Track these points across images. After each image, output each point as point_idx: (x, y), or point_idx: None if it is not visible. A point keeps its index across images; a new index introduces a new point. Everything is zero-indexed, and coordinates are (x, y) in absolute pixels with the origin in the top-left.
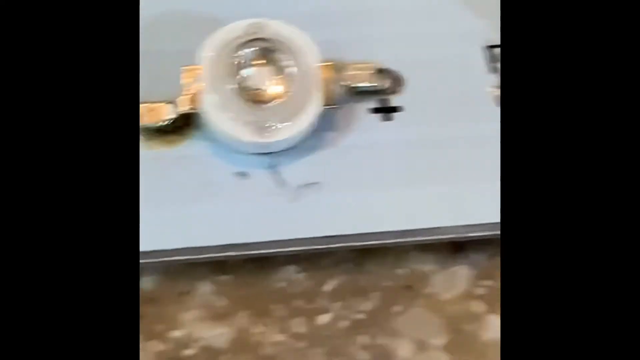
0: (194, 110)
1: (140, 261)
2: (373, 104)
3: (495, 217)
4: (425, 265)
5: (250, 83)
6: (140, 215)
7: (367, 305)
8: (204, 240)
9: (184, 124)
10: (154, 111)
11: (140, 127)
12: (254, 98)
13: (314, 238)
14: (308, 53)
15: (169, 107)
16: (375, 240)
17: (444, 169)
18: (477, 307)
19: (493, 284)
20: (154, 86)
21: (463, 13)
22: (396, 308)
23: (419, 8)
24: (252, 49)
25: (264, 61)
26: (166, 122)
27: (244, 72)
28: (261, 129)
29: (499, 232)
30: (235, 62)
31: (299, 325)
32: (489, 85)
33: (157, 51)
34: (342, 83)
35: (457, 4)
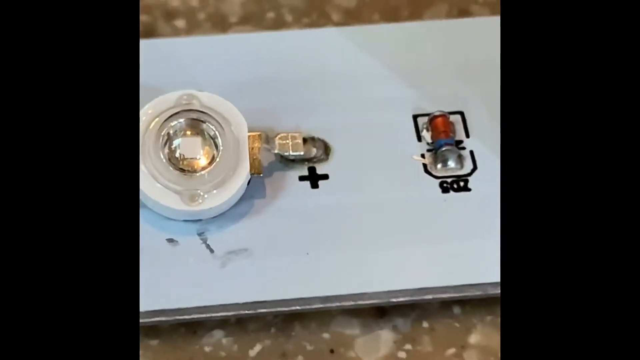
0: None
1: None
2: (301, 171)
3: (419, 282)
4: (350, 329)
5: (181, 153)
6: None
7: None
8: None
9: None
10: None
11: None
12: (184, 167)
13: (241, 304)
14: (236, 123)
15: None
16: (300, 305)
17: (369, 235)
18: None
19: (415, 348)
20: None
21: (391, 81)
22: None
23: (346, 76)
24: (183, 119)
25: (194, 131)
26: None
27: (175, 142)
28: (191, 197)
29: (422, 297)
30: (167, 132)
31: None
32: (416, 153)
33: None
34: (271, 151)
35: (385, 72)
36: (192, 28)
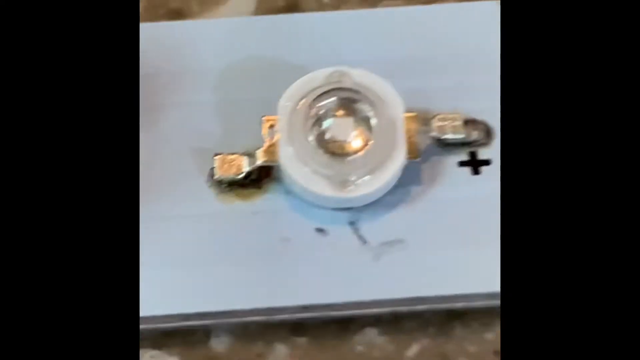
0: (272, 162)
1: (213, 321)
2: (461, 157)
3: None
4: None
5: (331, 135)
6: (214, 273)
7: None
8: (282, 300)
9: (261, 177)
10: (229, 163)
11: (215, 179)
12: (334, 150)
13: (397, 299)
14: (392, 103)
15: (246, 159)
16: (462, 302)
17: None
18: None
19: None
20: (231, 137)
21: None
22: None
23: None
24: (333, 98)
25: (346, 112)
26: (242, 175)
27: (324, 123)
28: (341, 183)
29: None
30: (316, 113)
31: None
32: None
33: (235, 100)
34: (428, 134)
35: None
36: (339, 2)
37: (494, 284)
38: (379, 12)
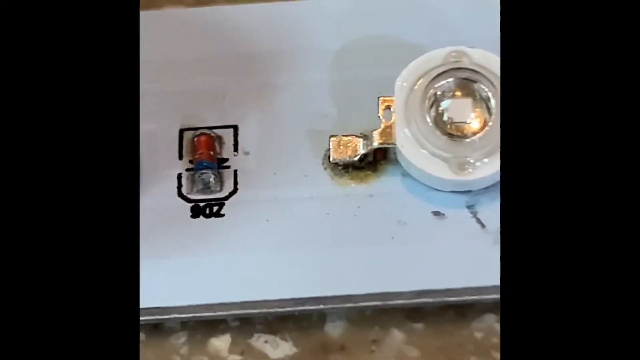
0: (388, 144)
1: (327, 307)
2: None
3: None
4: None
5: (449, 116)
6: (327, 257)
7: None
8: (398, 285)
9: (377, 159)
10: (345, 145)
11: (330, 161)
12: (452, 132)
13: None
14: None
15: (361, 141)
16: None
17: None
18: None
19: None
20: (346, 118)
21: None
22: None
23: None
24: (452, 79)
25: (464, 92)
26: (358, 157)
27: (443, 104)
28: (460, 165)
29: None
30: (433, 93)
31: None
32: None
33: (351, 80)
34: None
35: None
36: None
37: None
38: None
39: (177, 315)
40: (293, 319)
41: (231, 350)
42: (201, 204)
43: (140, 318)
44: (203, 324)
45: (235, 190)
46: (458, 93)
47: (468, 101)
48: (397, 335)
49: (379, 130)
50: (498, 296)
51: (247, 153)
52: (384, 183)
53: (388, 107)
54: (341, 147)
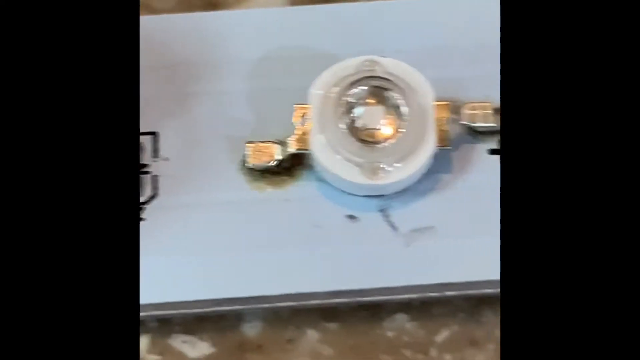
0: (304, 150)
1: (245, 307)
2: (491, 145)
3: None
4: None
5: (362, 123)
6: (245, 260)
7: (482, 357)
8: (313, 286)
9: (293, 165)
10: (261, 151)
11: (247, 167)
12: (365, 138)
13: (427, 285)
14: (422, 92)
15: (278, 147)
16: (492, 288)
17: None
18: None
19: None
20: (263, 125)
21: None
22: None
23: None
24: (365, 87)
25: (376, 100)
26: (274, 163)
27: (356, 111)
28: (373, 170)
29: None
30: (347, 101)
31: None
32: None
33: (268, 89)
34: (459, 123)
35: None
36: None
37: None
38: (411, 1)
39: None
40: (211, 320)
41: (150, 351)
42: None
43: None
44: None
45: (154, 195)
46: (371, 100)
47: (380, 108)
48: (311, 334)
49: (295, 136)
50: (409, 296)
51: (166, 159)
52: (300, 188)
53: (303, 115)
54: (257, 153)
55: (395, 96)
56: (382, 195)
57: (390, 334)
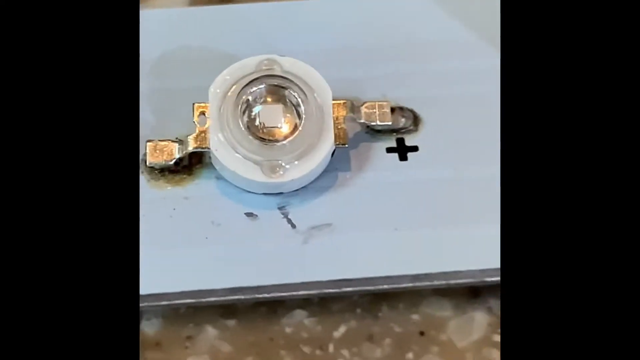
0: (203, 149)
1: (143, 304)
2: (388, 143)
3: None
4: (441, 310)
5: (261, 121)
6: (144, 256)
7: (379, 352)
8: (212, 283)
9: (193, 163)
10: (161, 150)
11: (147, 166)
12: (264, 136)
13: (325, 282)
14: (320, 90)
15: (177, 145)
16: (388, 284)
17: (463, 211)
18: (495, 355)
19: None
20: (163, 124)
21: (483, 50)
22: (409, 355)
23: (436, 44)
24: (263, 85)
25: (275, 98)
26: (173, 161)
27: (255, 110)
28: (272, 168)
29: None
30: (246, 100)
31: None
32: None
33: (167, 88)
34: (357, 121)
35: (477, 41)
36: None
37: (420, 266)
38: (311, 2)
39: None
40: None
41: None
42: None
43: None
44: None
45: None
46: (269, 99)
47: (279, 107)
48: (210, 331)
49: (194, 135)
50: (307, 292)
51: None
52: (199, 186)
53: (203, 113)
54: (157, 151)
55: (293, 95)
56: (281, 193)
57: (288, 330)
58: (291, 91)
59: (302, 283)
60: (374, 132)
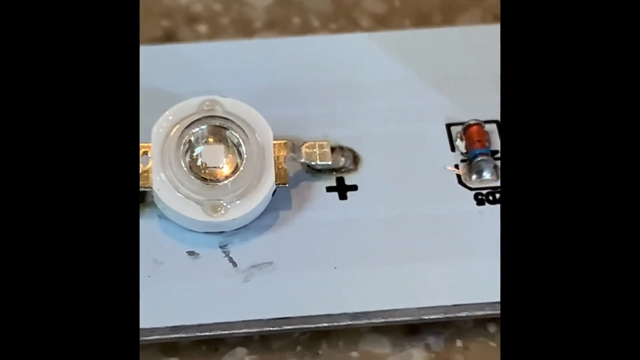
0: (146, 188)
1: None
2: (329, 182)
3: (453, 299)
4: (380, 348)
5: (203, 161)
6: None
7: None
8: (153, 321)
9: None
10: None
11: None
12: (206, 176)
13: (265, 320)
14: (261, 131)
15: None
16: (328, 322)
17: (400, 249)
18: None
19: None
20: None
21: (423, 89)
22: None
23: (376, 84)
24: (205, 126)
25: (217, 139)
26: None
27: (197, 150)
28: (213, 208)
29: (456, 315)
30: (188, 140)
31: None
32: (450, 163)
33: None
34: (297, 161)
35: (416, 80)
36: (215, 33)
37: (359, 304)
38: (253, 42)
39: None
40: None
41: None
42: None
43: None
44: None
45: None
46: (211, 139)
47: (221, 147)
48: None
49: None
50: (248, 330)
51: None
52: (142, 225)
53: (145, 153)
54: None
55: (235, 135)
56: (223, 232)
57: None
58: (232, 132)
59: (243, 321)
60: (314, 172)
